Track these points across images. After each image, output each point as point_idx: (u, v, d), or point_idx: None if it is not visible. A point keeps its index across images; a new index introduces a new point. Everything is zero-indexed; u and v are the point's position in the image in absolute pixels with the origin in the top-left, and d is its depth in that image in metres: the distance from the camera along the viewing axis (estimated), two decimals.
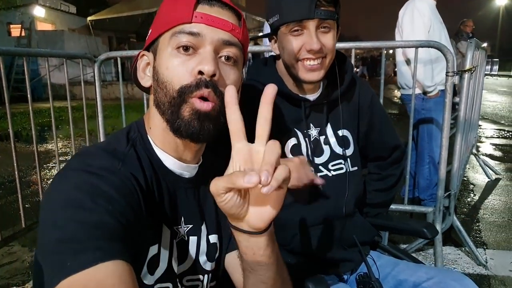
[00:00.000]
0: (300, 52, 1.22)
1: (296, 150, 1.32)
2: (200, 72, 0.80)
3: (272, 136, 1.21)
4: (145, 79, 0.92)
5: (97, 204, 0.70)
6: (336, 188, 1.36)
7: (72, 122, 3.14)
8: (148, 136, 0.90)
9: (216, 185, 0.66)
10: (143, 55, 0.92)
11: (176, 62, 0.82)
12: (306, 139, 1.33)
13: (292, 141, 1.32)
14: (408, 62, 3.27)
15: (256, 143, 0.70)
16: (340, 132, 1.39)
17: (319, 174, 1.35)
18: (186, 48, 0.82)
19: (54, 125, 3.00)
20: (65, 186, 0.72)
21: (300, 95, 1.32)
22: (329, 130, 1.38)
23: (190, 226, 0.95)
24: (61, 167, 0.81)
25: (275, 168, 0.64)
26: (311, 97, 1.33)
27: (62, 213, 0.68)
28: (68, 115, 3.05)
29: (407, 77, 3.40)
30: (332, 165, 1.37)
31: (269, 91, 0.71)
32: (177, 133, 0.83)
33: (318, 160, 1.36)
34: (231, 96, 0.71)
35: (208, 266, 0.99)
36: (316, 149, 1.35)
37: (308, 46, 1.20)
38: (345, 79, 1.36)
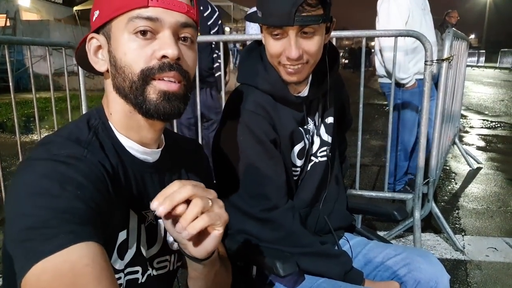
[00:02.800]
0: (280, 57, 1.19)
1: (301, 152, 1.33)
2: (164, 56, 0.82)
3: (286, 145, 1.28)
4: (99, 63, 0.88)
5: (66, 190, 0.70)
6: (320, 174, 1.39)
7: (57, 113, 3.14)
8: (110, 122, 0.89)
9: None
10: (92, 37, 0.88)
11: (134, 47, 0.81)
12: (307, 135, 1.34)
13: (300, 145, 1.32)
14: (380, 50, 3.29)
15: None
16: (327, 120, 1.41)
17: (309, 164, 1.37)
18: (144, 33, 0.81)
19: (37, 115, 3.00)
20: (31, 176, 0.72)
21: (296, 94, 1.30)
22: (319, 119, 1.40)
23: None
24: None
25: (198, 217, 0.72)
26: (305, 91, 1.32)
27: (31, 201, 0.68)
28: (55, 105, 3.03)
29: (380, 66, 3.46)
30: (320, 152, 1.39)
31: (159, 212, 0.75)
32: (148, 115, 0.85)
33: (311, 151, 1.37)
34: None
35: (175, 246, 1.01)
36: (312, 141, 1.37)
37: (287, 53, 1.15)
38: (334, 69, 1.35)
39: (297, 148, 1.32)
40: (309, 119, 1.35)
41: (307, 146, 1.34)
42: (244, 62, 1.36)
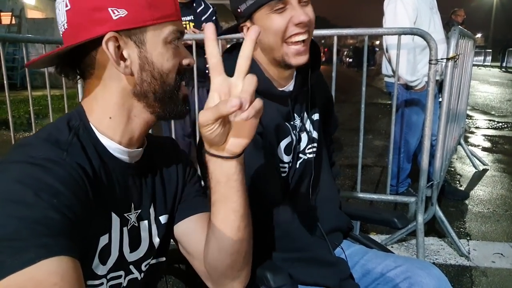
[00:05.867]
0: (287, 29, 1.15)
1: (288, 147, 1.29)
2: (189, 64, 0.91)
3: (272, 139, 1.23)
4: (122, 65, 0.83)
5: (40, 198, 0.67)
6: (310, 171, 1.35)
7: (60, 111, 3.11)
8: (91, 124, 0.86)
9: (205, 116, 0.75)
10: (114, 37, 0.81)
11: (172, 55, 0.86)
12: (294, 131, 1.31)
13: (286, 141, 1.28)
14: (386, 49, 3.21)
15: (235, 77, 0.78)
16: (314, 117, 1.38)
17: (298, 161, 1.33)
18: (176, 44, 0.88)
19: (32, 112, 2.98)
20: (5, 180, 0.68)
21: (280, 89, 1.26)
22: (305, 115, 1.36)
23: (139, 211, 0.94)
24: None
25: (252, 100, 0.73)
26: (289, 86, 1.29)
27: (2, 209, 0.65)
28: (58, 103, 3.01)
29: (387, 65, 3.39)
30: (308, 149, 1.36)
31: (254, 31, 0.77)
32: (172, 116, 0.91)
33: (298, 148, 1.34)
34: (211, 33, 0.78)
35: (157, 243, 1.00)
36: (299, 138, 1.34)
37: (296, 19, 1.13)
38: (317, 65, 1.33)
39: (283, 143, 1.28)
40: (295, 115, 1.32)
41: (294, 142, 1.30)
42: (225, 61, 1.29)
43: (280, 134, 1.26)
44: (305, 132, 1.35)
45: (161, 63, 0.85)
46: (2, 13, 16.76)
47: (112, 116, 0.87)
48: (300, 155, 1.34)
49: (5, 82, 2.68)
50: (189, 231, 1.02)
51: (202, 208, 1.03)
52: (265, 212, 1.18)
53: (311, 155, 1.36)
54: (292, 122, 1.30)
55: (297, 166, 1.33)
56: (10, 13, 15.55)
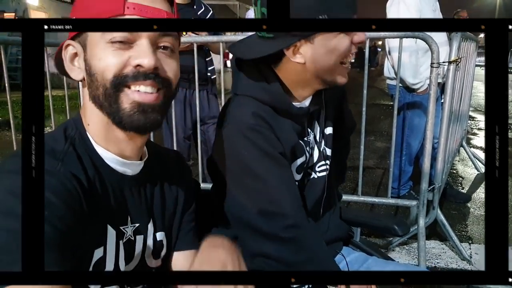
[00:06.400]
0: (351, 49, 1.12)
1: (300, 166, 1.24)
2: (139, 65, 0.78)
3: (288, 159, 1.18)
4: (75, 71, 0.85)
5: None
6: (320, 190, 1.31)
7: (62, 111, 3.11)
8: (87, 133, 0.85)
9: None
10: (68, 44, 0.84)
11: (109, 53, 0.78)
12: (307, 147, 1.26)
13: (301, 160, 1.23)
14: (389, 52, 3.20)
15: None
16: (326, 131, 1.34)
17: (307, 178, 1.29)
18: (120, 41, 0.78)
19: None
20: None
21: (298, 106, 1.21)
22: (318, 131, 1.31)
23: (137, 225, 0.92)
24: None
25: None
26: (306, 101, 1.24)
27: None
28: (61, 103, 3.02)
29: (389, 67, 3.38)
30: (318, 166, 1.31)
31: None
32: (120, 126, 0.82)
33: (310, 163, 1.29)
34: None
35: (153, 263, 0.97)
36: (311, 154, 1.29)
37: (358, 39, 1.10)
38: None
39: (298, 162, 1.23)
40: (309, 130, 1.27)
41: (307, 160, 1.25)
42: (239, 72, 1.23)
43: (296, 154, 1.22)
44: (317, 148, 1.30)
45: (95, 64, 0.80)
46: (5, 14, 16.82)
47: (90, 123, 0.85)
48: (310, 171, 1.29)
49: (6, 83, 2.69)
50: (178, 265, 1.02)
51: (196, 244, 0.99)
52: (293, 231, 1.13)
53: (321, 174, 1.31)
54: (306, 138, 1.25)
55: (306, 183, 1.28)
56: (13, 14, 15.60)
